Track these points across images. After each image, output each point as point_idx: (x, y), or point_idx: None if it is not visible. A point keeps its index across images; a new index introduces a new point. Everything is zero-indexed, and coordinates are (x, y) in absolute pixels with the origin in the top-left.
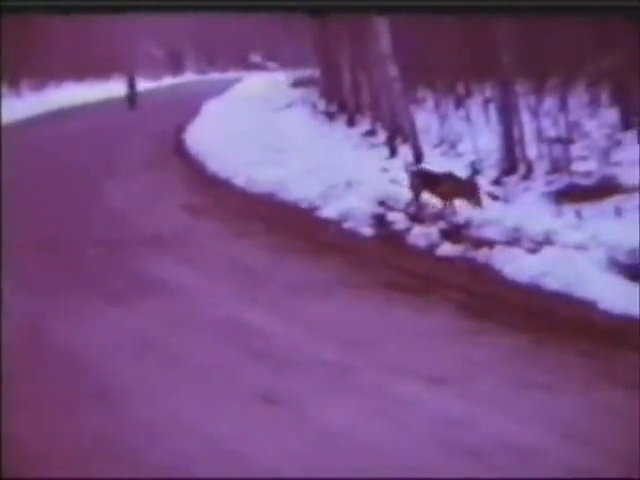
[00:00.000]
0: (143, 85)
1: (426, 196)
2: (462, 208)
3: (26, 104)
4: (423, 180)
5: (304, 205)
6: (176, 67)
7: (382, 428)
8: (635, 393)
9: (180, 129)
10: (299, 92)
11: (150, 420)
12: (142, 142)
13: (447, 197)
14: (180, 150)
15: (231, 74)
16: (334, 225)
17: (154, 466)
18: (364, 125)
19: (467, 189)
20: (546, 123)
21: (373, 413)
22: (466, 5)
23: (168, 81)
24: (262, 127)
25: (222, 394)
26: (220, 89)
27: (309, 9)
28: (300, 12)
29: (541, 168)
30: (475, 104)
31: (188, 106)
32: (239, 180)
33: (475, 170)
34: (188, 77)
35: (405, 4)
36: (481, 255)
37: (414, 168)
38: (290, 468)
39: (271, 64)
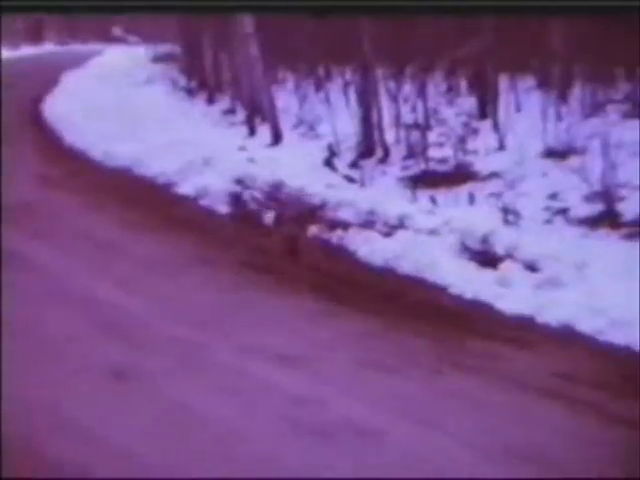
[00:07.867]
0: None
1: None
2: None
3: None
4: None
5: (161, 181)
6: (35, 37)
7: (233, 407)
8: (482, 379)
9: (38, 99)
10: (159, 67)
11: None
12: None
13: None
14: (37, 121)
15: (92, 46)
16: (190, 202)
17: (6, 438)
18: (224, 103)
19: None
20: (404, 109)
21: (224, 392)
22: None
23: (27, 51)
24: (121, 101)
25: (75, 369)
26: (80, 61)
27: (311, 9)
28: (302, 12)
29: (398, 153)
30: (335, 87)
31: (47, 77)
32: (96, 153)
33: (332, 152)
34: (48, 47)
35: (402, 4)
36: (335, 236)
37: None
38: (141, 445)
39: (132, 38)
